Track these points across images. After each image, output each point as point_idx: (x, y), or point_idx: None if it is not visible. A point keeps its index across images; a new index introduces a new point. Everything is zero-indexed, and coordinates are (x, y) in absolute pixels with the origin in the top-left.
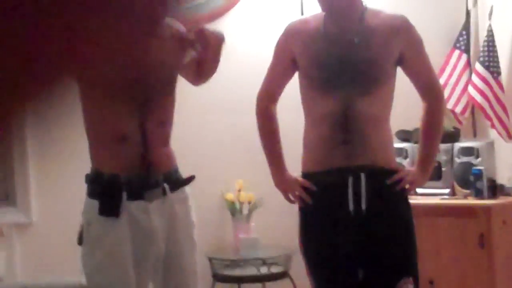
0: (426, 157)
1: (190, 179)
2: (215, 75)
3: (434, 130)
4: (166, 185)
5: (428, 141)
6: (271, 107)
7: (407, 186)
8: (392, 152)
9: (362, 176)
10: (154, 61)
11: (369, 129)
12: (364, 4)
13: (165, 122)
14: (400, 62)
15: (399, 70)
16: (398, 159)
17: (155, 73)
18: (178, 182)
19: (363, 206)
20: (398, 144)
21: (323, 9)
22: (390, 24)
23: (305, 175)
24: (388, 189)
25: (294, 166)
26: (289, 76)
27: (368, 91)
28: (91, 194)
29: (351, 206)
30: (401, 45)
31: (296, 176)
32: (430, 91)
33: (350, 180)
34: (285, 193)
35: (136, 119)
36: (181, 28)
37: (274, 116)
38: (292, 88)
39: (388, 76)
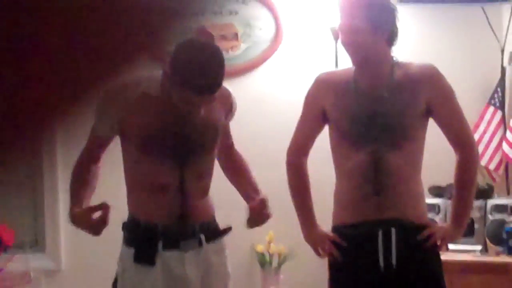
0: (460, 211)
1: (227, 230)
2: (247, 128)
3: (467, 183)
4: (202, 236)
5: (461, 195)
6: (302, 160)
7: (438, 242)
8: (423, 206)
9: (393, 230)
10: (199, 119)
11: (399, 183)
12: (394, 58)
13: (205, 175)
14: (430, 112)
15: (432, 125)
16: (430, 215)
17: (199, 130)
18: (214, 233)
19: (393, 262)
20: (431, 200)
21: (354, 64)
22: (418, 75)
23: (335, 228)
24: (419, 245)
25: (325, 219)
26: (319, 129)
27: (398, 145)
28: (127, 242)
29: (381, 261)
30: (428, 94)
31: (326, 230)
32: (462, 143)
33: (380, 234)
34: (314, 247)
35: (175, 171)
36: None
37: (304, 170)
38: (324, 140)
39: (418, 129)
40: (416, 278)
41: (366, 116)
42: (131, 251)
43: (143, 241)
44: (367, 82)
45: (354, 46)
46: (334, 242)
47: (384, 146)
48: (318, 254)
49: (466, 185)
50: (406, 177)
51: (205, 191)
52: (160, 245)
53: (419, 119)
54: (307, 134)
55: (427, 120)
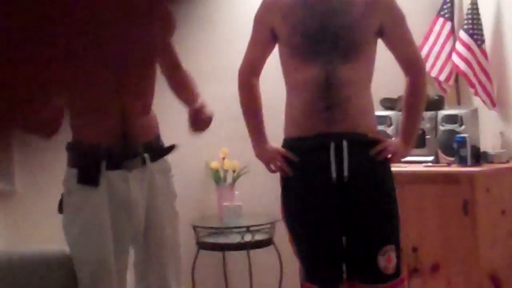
0: (409, 130)
1: (171, 148)
2: (200, 44)
3: (416, 104)
4: (146, 155)
5: (410, 115)
6: (253, 80)
7: (389, 156)
8: (374, 119)
9: (344, 142)
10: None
11: (350, 96)
12: None
13: (144, 91)
14: (381, 35)
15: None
16: (382, 127)
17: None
18: (158, 152)
19: (345, 173)
20: (382, 112)
21: None
22: None
23: (286, 141)
24: (370, 157)
25: (275, 135)
26: (269, 48)
27: (349, 58)
28: (71, 163)
29: (333, 173)
30: (381, 18)
31: (276, 146)
32: (412, 67)
33: (332, 146)
34: (266, 164)
35: (114, 89)
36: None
37: (256, 89)
38: (272, 58)
39: (369, 44)
40: (368, 189)
41: (316, 29)
42: (75, 172)
43: (86, 161)
44: None
45: None
46: (285, 157)
47: (335, 59)
48: (270, 170)
49: (415, 106)
50: (357, 90)
51: (146, 108)
52: (103, 165)
53: (370, 36)
54: (258, 54)
55: (377, 39)
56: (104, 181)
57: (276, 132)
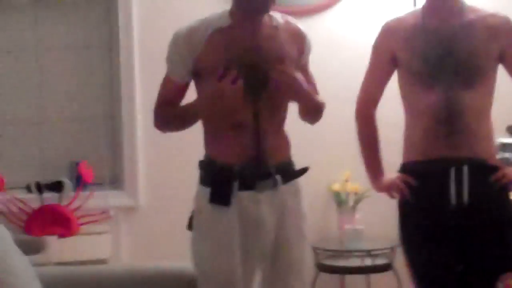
0: None
1: (303, 171)
2: (316, 68)
3: None
4: (278, 177)
5: None
6: (372, 111)
7: (508, 183)
8: (494, 145)
9: (465, 168)
10: (269, 49)
11: (472, 122)
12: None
13: (279, 109)
14: (502, 60)
15: None
16: (508, 155)
17: (270, 60)
18: (290, 174)
19: (465, 198)
20: (508, 139)
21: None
22: (492, 21)
23: (406, 164)
24: (490, 184)
25: (391, 160)
26: (389, 76)
27: (471, 84)
28: (203, 181)
29: (453, 198)
30: (502, 44)
31: (392, 176)
32: None
33: (453, 171)
34: (388, 192)
35: (250, 107)
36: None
37: (374, 121)
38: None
39: (490, 69)
40: (487, 215)
41: (438, 54)
42: (207, 190)
43: (219, 181)
44: (437, 21)
45: None
46: (404, 181)
47: (457, 85)
48: (391, 196)
49: None
50: (477, 117)
51: (280, 126)
52: (235, 185)
53: (491, 62)
54: (377, 83)
55: (497, 65)
56: (235, 201)
57: (390, 158)
